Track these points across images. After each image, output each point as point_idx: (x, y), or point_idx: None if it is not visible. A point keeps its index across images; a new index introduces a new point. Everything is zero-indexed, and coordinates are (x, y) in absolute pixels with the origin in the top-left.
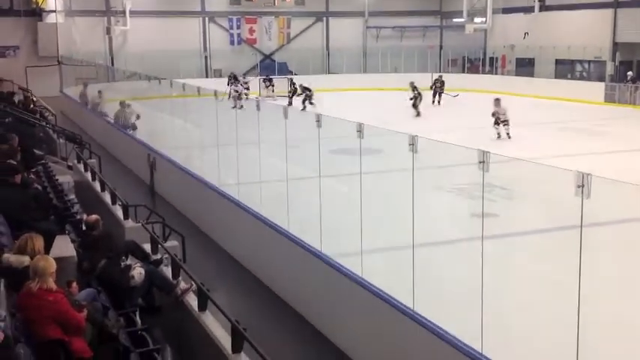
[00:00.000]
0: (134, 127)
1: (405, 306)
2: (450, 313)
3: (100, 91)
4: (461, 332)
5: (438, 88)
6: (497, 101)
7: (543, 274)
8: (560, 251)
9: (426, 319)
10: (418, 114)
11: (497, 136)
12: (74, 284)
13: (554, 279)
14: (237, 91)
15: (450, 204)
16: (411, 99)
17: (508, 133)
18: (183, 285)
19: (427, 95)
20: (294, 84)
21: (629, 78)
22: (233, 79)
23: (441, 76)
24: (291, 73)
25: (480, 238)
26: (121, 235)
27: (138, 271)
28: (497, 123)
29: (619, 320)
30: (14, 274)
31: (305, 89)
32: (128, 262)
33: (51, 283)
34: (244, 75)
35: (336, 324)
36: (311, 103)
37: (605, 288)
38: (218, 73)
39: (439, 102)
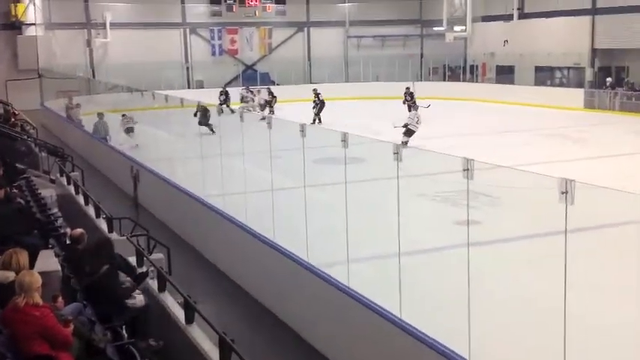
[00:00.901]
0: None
1: (392, 314)
2: (436, 321)
3: (78, 104)
4: (448, 340)
5: (408, 101)
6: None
7: (528, 280)
8: (544, 257)
9: (413, 327)
10: (315, 121)
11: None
12: (60, 299)
13: (539, 285)
14: (249, 102)
15: (434, 212)
16: (314, 107)
17: (407, 142)
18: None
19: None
20: (272, 92)
21: (608, 84)
22: (225, 94)
23: (408, 88)
24: (273, 83)
25: (463, 245)
26: None
27: (140, 298)
28: (408, 133)
29: (605, 325)
30: None
31: (204, 109)
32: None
33: (37, 299)
34: (246, 87)
35: (323, 334)
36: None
37: (590, 293)
38: (200, 84)
39: None
